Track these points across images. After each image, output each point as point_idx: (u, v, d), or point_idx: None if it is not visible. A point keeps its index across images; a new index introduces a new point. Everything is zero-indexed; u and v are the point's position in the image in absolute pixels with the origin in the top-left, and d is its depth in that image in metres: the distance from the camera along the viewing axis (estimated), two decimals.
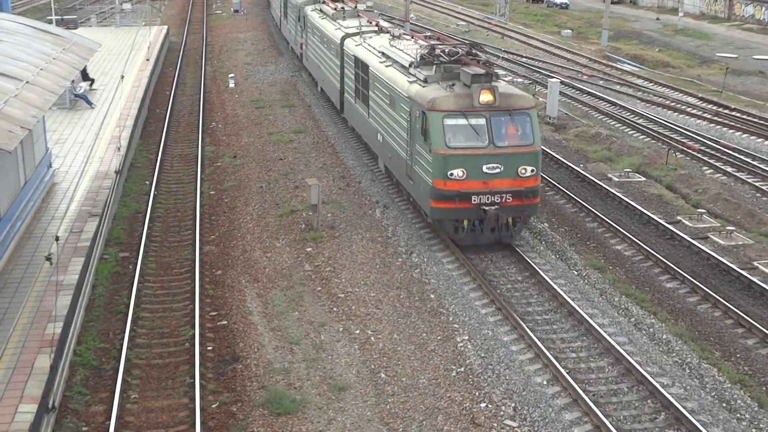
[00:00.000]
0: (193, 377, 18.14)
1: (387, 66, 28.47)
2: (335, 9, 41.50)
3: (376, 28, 36.75)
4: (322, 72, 42.13)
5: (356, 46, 33.60)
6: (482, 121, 23.29)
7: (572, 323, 20.61)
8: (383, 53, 29.92)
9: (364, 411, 17.27)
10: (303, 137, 37.53)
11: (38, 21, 34.03)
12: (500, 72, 52.27)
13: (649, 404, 17.43)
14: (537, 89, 47.46)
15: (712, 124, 41.14)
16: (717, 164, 34.48)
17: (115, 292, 22.53)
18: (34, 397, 15.84)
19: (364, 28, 36.30)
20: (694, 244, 25.31)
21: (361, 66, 31.76)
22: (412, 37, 33.24)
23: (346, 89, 35.53)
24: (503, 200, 23.39)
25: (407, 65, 26.82)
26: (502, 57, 58.68)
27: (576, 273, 23.61)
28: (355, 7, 42.57)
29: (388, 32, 35.06)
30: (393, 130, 27.35)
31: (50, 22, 51.90)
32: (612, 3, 74.73)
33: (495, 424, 16.76)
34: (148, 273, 23.75)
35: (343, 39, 35.85)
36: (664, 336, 20.23)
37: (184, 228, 27.30)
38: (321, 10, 44.00)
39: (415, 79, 25.51)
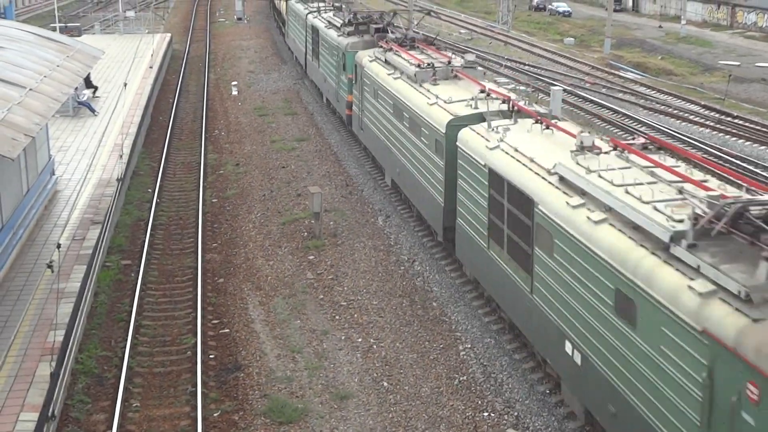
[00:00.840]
0: (195, 386, 18.10)
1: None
2: (420, 66, 26.78)
3: (504, 104, 22.08)
4: (399, 162, 27.24)
5: (504, 157, 18.72)
6: None
7: None
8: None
9: (367, 420, 17.22)
10: (306, 145, 37.54)
11: (42, 29, 34.08)
12: (502, 80, 52.52)
13: None
14: (540, 97, 47.45)
15: (714, 132, 41.10)
16: (718, 172, 34.39)
17: (116, 300, 22.50)
18: (36, 406, 15.80)
19: (481, 104, 22.58)
20: None
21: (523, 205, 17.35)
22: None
23: (479, 227, 20.21)
24: None
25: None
26: (505, 65, 58.69)
27: None
28: (449, 63, 27.39)
29: (539, 118, 20.24)
30: None
31: (54, 29, 51.95)
32: (614, 11, 74.79)
33: None
34: (150, 281, 23.73)
35: (454, 130, 21.80)
36: None
37: (186, 236, 27.28)
38: (390, 64, 29.44)
39: None
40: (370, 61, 31.08)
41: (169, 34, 66.76)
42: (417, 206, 25.93)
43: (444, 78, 26.30)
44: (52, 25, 59.95)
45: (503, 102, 22.16)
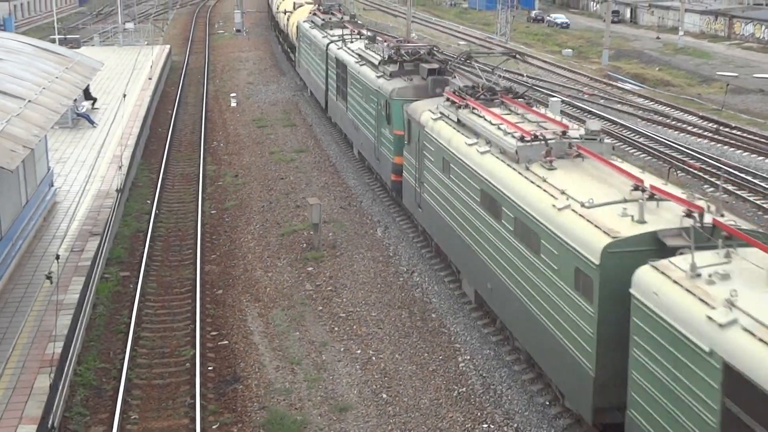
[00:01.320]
0: (194, 397, 18.07)
1: None
2: (523, 139, 18.76)
3: (688, 217, 13.98)
4: (495, 277, 19.10)
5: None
6: None
7: None
8: None
9: None
10: (304, 156, 37.57)
11: (41, 40, 34.14)
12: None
13: None
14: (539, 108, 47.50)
15: (712, 143, 41.15)
16: (718, 182, 34.45)
17: (115, 312, 22.48)
18: (34, 418, 15.76)
19: (648, 213, 14.53)
20: None
21: None
22: None
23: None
24: None
25: None
26: (503, 76, 58.72)
27: None
28: (564, 133, 19.01)
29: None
30: None
31: (53, 41, 52.05)
32: (612, 22, 75.00)
33: None
34: (149, 292, 23.71)
35: (614, 260, 14.06)
36: None
37: (185, 247, 27.27)
38: (468, 127, 21.59)
39: None
40: (434, 120, 23.15)
41: (168, 46, 66.87)
42: (531, 352, 17.76)
43: (561, 157, 18.08)
44: (51, 36, 60.09)
45: (687, 214, 14.05)
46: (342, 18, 48.15)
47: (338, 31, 40.93)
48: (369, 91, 30.50)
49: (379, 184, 32.15)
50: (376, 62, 30.50)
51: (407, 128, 25.59)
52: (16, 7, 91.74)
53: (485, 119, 20.95)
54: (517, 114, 21.41)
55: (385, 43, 33.44)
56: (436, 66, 28.21)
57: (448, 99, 23.69)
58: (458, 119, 22.21)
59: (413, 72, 28.75)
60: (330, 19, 47.07)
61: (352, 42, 37.55)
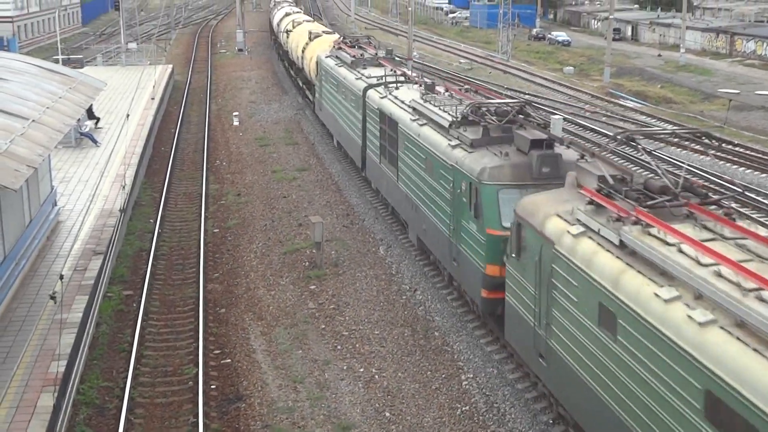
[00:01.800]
0: (197, 416, 18.05)
1: None
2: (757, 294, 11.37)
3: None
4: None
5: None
6: None
7: None
8: None
9: None
10: (307, 175, 37.65)
11: (45, 60, 34.30)
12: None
13: None
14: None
15: (715, 160, 41.18)
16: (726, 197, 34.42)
17: (118, 330, 22.49)
18: None
19: None
20: None
21: None
22: None
23: None
24: None
25: None
26: (505, 94, 58.89)
27: None
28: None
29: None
30: None
31: (57, 61, 52.29)
32: (614, 40, 75.25)
33: None
34: (152, 311, 23.72)
35: None
36: None
37: (188, 266, 27.30)
38: (653, 261, 13.40)
39: None
40: (575, 236, 15.23)
41: (170, 66, 67.16)
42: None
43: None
44: (55, 57, 60.32)
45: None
46: (377, 54, 39.88)
47: (376, 72, 34.50)
48: (437, 164, 23.05)
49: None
50: (446, 123, 23.20)
51: (516, 235, 17.55)
52: (20, 28, 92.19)
53: (682, 252, 13.05)
54: (723, 236, 13.51)
55: (453, 95, 26.88)
56: (543, 136, 20.51)
57: (591, 202, 15.75)
58: (623, 243, 14.14)
59: (504, 140, 21.40)
60: (362, 55, 39.14)
61: (398, 88, 30.17)
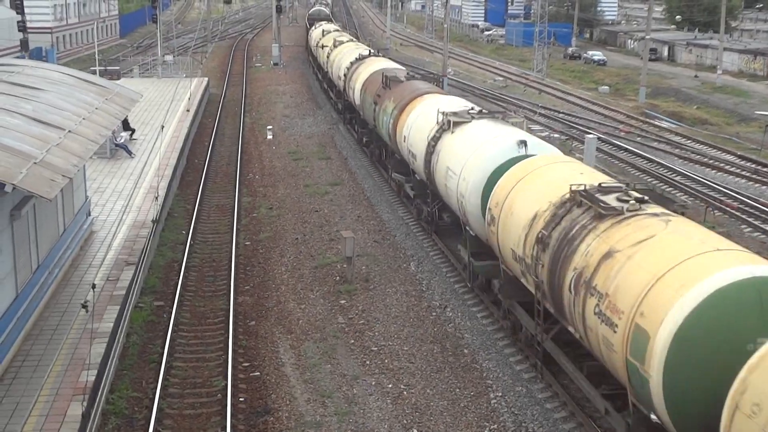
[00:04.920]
0: (225, 428, 18.06)
1: None
2: None
3: None
4: None
5: None
6: None
7: None
8: None
9: None
10: (339, 189, 37.70)
11: (82, 71, 34.65)
12: (536, 127, 52.52)
13: None
14: (574, 145, 47.39)
15: (750, 182, 40.78)
16: (756, 223, 34.09)
17: (149, 341, 22.57)
18: None
19: None
20: None
21: None
22: None
23: None
24: None
25: None
26: (539, 113, 58.76)
27: None
28: None
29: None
30: None
31: (94, 72, 52.83)
32: (650, 60, 74.83)
33: None
34: (182, 322, 23.80)
35: None
36: None
37: (219, 278, 27.38)
38: None
39: None
40: None
41: (206, 78, 67.62)
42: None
43: None
44: (92, 68, 60.96)
45: None
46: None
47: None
48: None
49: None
50: None
51: None
52: (59, 39, 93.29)
53: None
54: None
55: None
56: None
57: None
58: None
59: None
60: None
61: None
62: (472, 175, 23.11)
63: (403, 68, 42.31)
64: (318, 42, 67.74)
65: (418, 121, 29.61)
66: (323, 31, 70.56)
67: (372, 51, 49.51)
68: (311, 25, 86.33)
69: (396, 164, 33.95)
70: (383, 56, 49.77)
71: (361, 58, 46.08)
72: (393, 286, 26.36)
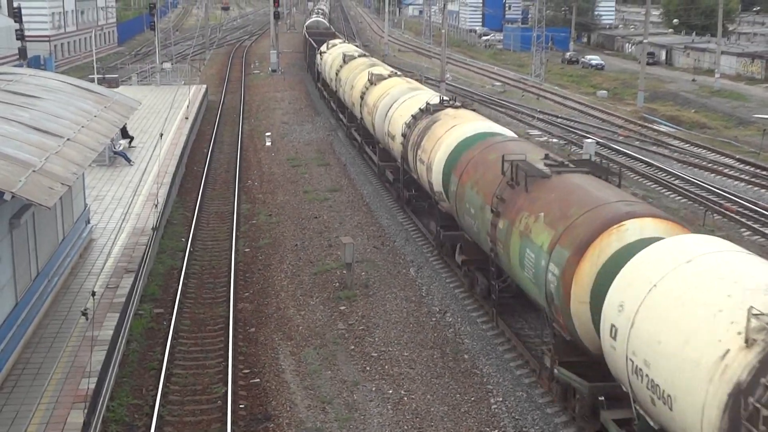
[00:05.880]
0: None
1: None
2: None
3: None
4: None
5: None
6: None
7: None
8: None
9: None
10: (338, 196, 37.71)
11: (80, 79, 34.67)
12: (535, 132, 52.62)
13: None
14: (572, 149, 47.44)
15: (749, 186, 40.82)
16: (755, 226, 34.12)
17: (149, 348, 22.57)
18: None
19: None
20: None
21: None
22: None
23: None
24: None
25: None
26: (538, 117, 58.82)
27: None
28: None
29: None
30: None
31: (92, 80, 52.85)
32: (648, 64, 74.93)
33: None
34: (182, 329, 23.79)
35: None
36: None
37: (218, 285, 27.38)
38: None
39: None
40: None
41: (204, 86, 67.67)
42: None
43: None
44: (90, 76, 60.99)
45: None
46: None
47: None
48: None
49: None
50: None
51: None
52: (57, 47, 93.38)
53: None
54: None
55: None
56: None
57: None
58: None
59: None
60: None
61: None
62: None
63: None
64: (339, 74, 49.98)
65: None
66: (344, 56, 51.07)
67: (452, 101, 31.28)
68: (315, 41, 74.06)
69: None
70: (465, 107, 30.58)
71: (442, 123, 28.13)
72: (393, 291, 26.37)
